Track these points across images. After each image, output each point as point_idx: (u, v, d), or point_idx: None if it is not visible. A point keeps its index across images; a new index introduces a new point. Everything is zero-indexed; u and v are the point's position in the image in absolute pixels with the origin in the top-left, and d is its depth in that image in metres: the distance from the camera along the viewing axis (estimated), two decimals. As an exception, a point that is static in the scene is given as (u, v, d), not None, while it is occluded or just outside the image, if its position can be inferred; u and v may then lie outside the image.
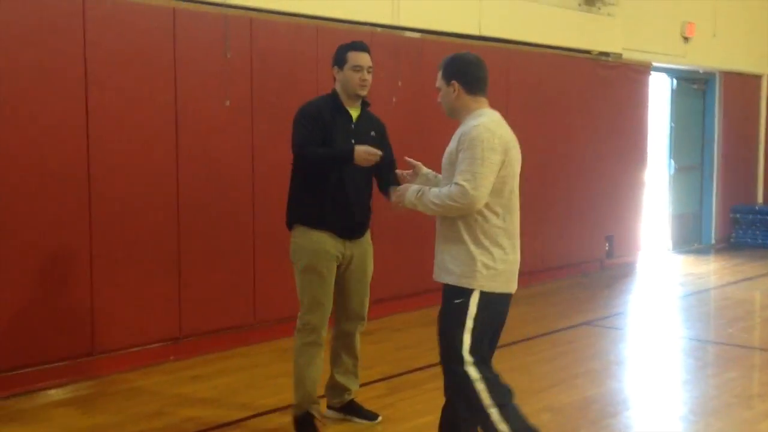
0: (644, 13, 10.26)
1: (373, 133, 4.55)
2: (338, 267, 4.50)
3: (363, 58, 4.45)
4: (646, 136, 10.46)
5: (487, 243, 3.60)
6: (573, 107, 9.30)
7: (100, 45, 5.46)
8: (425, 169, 4.06)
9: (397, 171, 4.19)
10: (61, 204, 5.31)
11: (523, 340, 6.47)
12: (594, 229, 9.67)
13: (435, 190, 3.66)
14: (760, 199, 12.56)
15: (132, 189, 5.66)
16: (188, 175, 5.95)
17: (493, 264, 3.60)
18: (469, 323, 3.57)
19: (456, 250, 3.63)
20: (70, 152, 5.35)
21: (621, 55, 9.86)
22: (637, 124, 10.29)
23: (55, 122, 5.27)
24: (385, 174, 4.57)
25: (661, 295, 8.80)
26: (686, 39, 11.01)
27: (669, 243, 11.38)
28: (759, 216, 11.81)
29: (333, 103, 4.49)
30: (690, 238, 11.74)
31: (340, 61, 4.49)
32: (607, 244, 9.86)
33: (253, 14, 6.34)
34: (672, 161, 11.35)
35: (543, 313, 7.45)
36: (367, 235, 4.63)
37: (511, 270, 3.70)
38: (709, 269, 10.22)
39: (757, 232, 11.82)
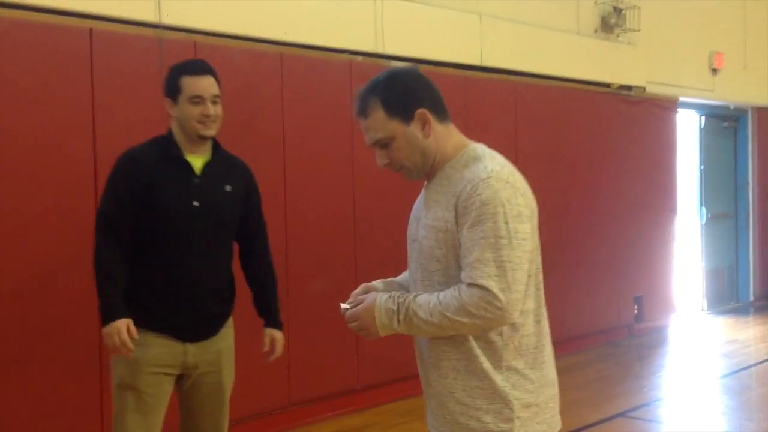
0: (668, 42, 9.03)
1: (228, 188, 3.29)
2: (180, 380, 3.26)
3: (204, 85, 3.20)
4: (675, 180, 9.14)
5: (520, 365, 2.23)
6: (592, 149, 8.00)
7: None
8: (380, 284, 2.50)
9: (341, 305, 2.40)
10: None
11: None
12: (621, 290, 8.29)
13: (425, 299, 2.21)
14: (801, 249, 11.19)
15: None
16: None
17: (534, 398, 2.24)
18: None
19: (471, 387, 2.23)
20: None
21: (644, 89, 8.60)
22: (665, 168, 8.97)
23: None
24: (249, 243, 3.43)
25: (701, 371, 7.37)
26: (715, 71, 9.78)
27: (703, 302, 9.99)
28: (803, 269, 10.44)
29: (163, 151, 3.22)
30: (726, 296, 10.35)
31: (172, 90, 3.23)
32: (635, 307, 8.48)
33: (198, 38, 5.09)
34: (704, 209, 10.01)
35: (569, 400, 5.96)
36: (226, 332, 3.36)
37: (554, 394, 2.33)
38: (754, 335, 8.80)
39: (802, 288, 10.44)
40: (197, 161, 3.25)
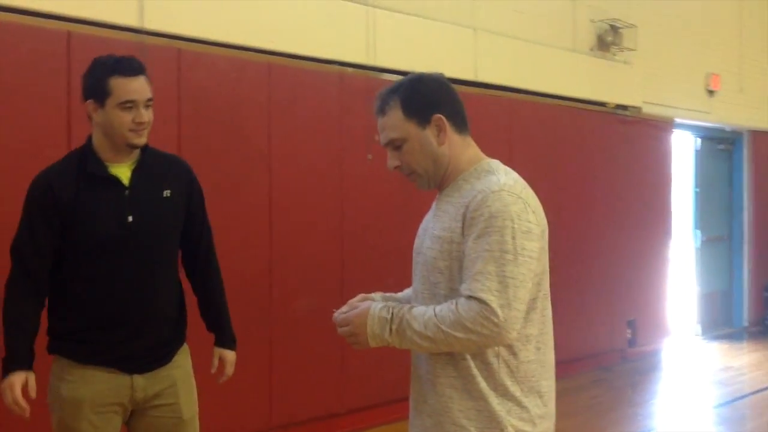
0: (665, 62, 8.89)
1: (167, 192, 2.92)
2: (131, 418, 2.90)
3: (137, 87, 2.80)
4: (670, 202, 8.97)
5: (517, 392, 2.14)
6: (586, 168, 7.82)
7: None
8: (379, 296, 2.44)
9: (334, 311, 2.30)
10: None
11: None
12: (614, 313, 8.09)
13: (421, 310, 2.12)
14: (795, 274, 11.03)
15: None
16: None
17: (532, 427, 2.16)
18: None
19: (468, 408, 2.14)
20: None
21: (640, 109, 8.45)
22: (660, 189, 8.81)
23: None
24: (192, 247, 3.08)
25: (696, 399, 7.17)
26: (711, 93, 9.65)
27: (696, 326, 9.80)
28: (798, 295, 10.27)
29: (83, 167, 2.82)
30: (720, 321, 10.17)
31: (97, 91, 2.80)
32: (629, 331, 8.28)
33: (182, 44, 4.90)
34: (698, 231, 9.85)
35: (561, 428, 5.72)
36: (180, 358, 2.99)
37: (551, 428, 2.25)
38: (749, 362, 8.60)
39: (797, 314, 10.27)
40: (124, 171, 2.86)
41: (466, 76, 6.59)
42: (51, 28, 4.38)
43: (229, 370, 3.17)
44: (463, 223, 2.11)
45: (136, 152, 2.89)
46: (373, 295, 2.36)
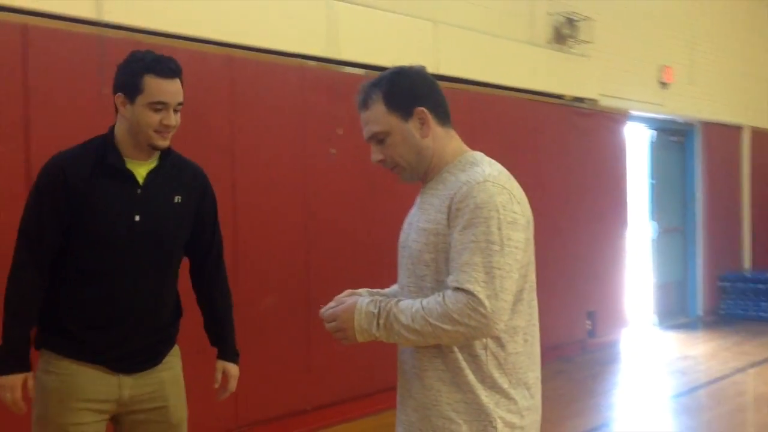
0: (620, 54, 8.97)
1: (178, 199, 2.85)
2: (116, 419, 2.82)
3: (171, 90, 2.73)
4: (626, 194, 9.06)
5: (506, 383, 2.14)
6: (545, 160, 7.85)
7: None
8: (366, 292, 2.37)
9: (321, 306, 2.28)
10: None
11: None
12: (574, 304, 8.15)
13: (408, 303, 2.10)
14: (747, 264, 11.25)
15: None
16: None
17: (519, 419, 2.15)
18: None
19: (456, 401, 2.13)
20: None
21: (597, 101, 8.51)
22: (617, 181, 8.89)
23: None
24: (200, 258, 3.02)
25: (657, 390, 7.25)
26: (664, 85, 9.77)
27: (653, 317, 9.93)
28: (750, 284, 10.46)
29: (100, 158, 2.75)
30: (675, 311, 10.32)
31: (130, 87, 2.72)
32: (588, 322, 8.35)
33: (141, 37, 4.78)
34: (654, 223, 9.98)
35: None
36: (171, 360, 2.93)
37: (538, 420, 2.24)
38: (706, 350, 8.73)
39: (748, 303, 10.45)
40: (141, 169, 2.80)
41: (429, 70, 6.54)
42: (7, 21, 4.25)
43: (232, 384, 3.08)
44: (449, 215, 2.11)
45: (156, 153, 2.83)
46: (359, 290, 2.32)
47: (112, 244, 2.74)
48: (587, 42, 8.22)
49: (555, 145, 7.97)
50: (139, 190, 2.78)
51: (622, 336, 8.88)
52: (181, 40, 4.99)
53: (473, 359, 2.11)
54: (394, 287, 2.40)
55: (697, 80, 10.38)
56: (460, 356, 2.11)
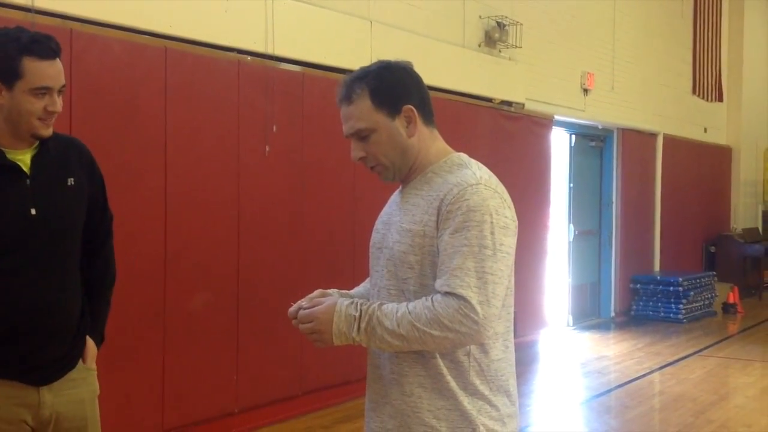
0: (546, 59, 9.12)
1: (71, 181, 2.60)
2: None
3: (53, 73, 2.48)
4: (550, 197, 9.23)
5: (487, 390, 2.10)
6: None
7: None
8: (335, 292, 2.27)
9: (292, 304, 2.18)
10: None
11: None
12: (496, 305, 8.23)
13: (392, 307, 2.03)
14: (657, 267, 11.61)
15: None
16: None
17: (501, 426, 2.11)
18: None
19: (438, 408, 2.07)
20: None
21: (524, 105, 8.63)
22: (541, 185, 9.04)
23: None
24: (91, 236, 2.72)
25: (578, 392, 7.42)
26: (586, 91, 9.98)
27: (568, 317, 10.15)
28: (660, 287, 10.80)
29: None
30: (589, 312, 10.58)
31: (5, 72, 2.43)
32: (509, 323, 8.45)
33: (75, 25, 4.60)
34: (572, 226, 10.19)
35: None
36: (88, 375, 2.69)
37: (518, 428, 2.22)
38: (620, 351, 8.97)
39: (659, 304, 10.80)
40: (24, 157, 2.52)
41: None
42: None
43: (90, 362, 2.70)
44: (438, 217, 2.04)
45: (35, 142, 2.57)
46: (330, 291, 2.23)
47: (11, 246, 2.48)
48: (516, 46, 8.32)
49: (485, 147, 8.01)
50: (28, 181, 2.51)
51: (540, 336, 9.04)
52: (116, 30, 4.82)
53: (455, 366, 2.06)
54: (361, 288, 2.34)
55: (617, 87, 10.64)
56: (441, 362, 2.06)
